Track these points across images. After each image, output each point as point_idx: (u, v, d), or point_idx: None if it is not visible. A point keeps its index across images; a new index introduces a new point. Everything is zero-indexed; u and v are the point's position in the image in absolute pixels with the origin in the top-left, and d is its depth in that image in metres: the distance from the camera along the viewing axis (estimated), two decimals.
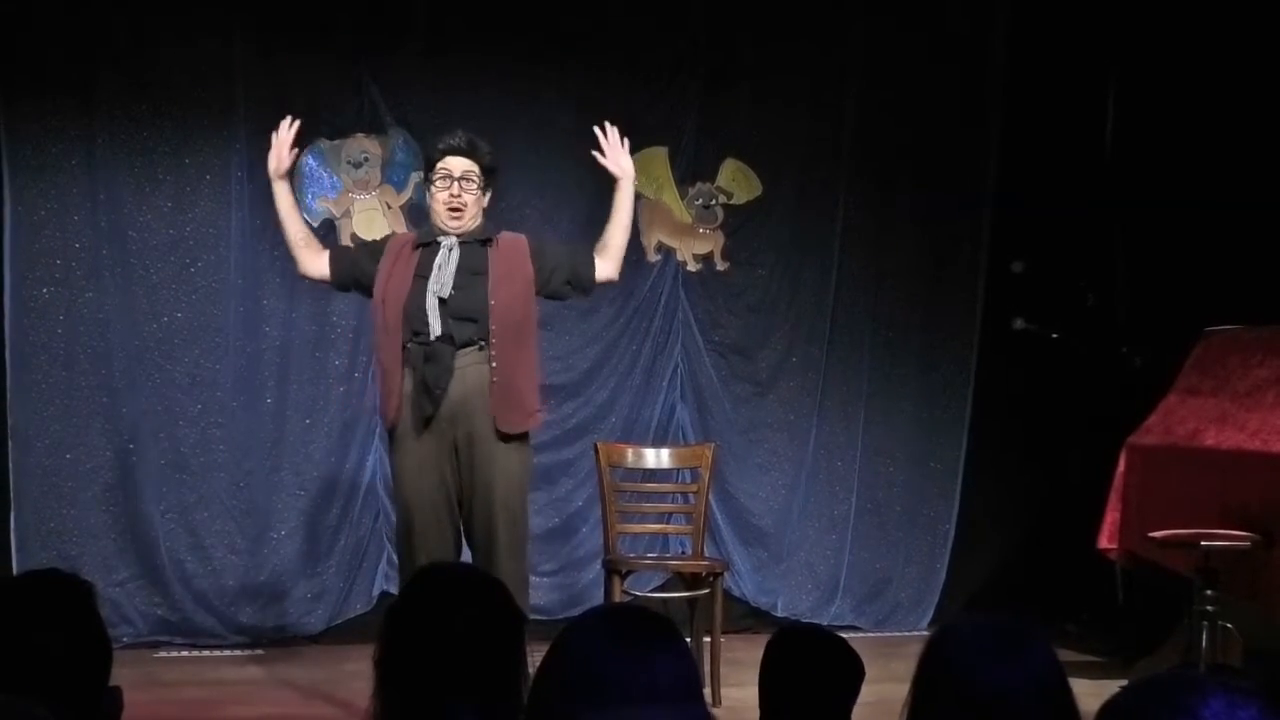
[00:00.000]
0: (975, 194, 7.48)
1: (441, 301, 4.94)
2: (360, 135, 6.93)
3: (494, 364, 4.94)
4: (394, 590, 6.60)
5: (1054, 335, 7.19)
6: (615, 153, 5.21)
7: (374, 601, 6.87)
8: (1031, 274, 7.33)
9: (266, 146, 6.74)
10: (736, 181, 7.30)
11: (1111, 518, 6.25)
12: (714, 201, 7.26)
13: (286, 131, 5.18)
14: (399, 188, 6.98)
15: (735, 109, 7.25)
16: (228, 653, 6.68)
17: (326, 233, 6.90)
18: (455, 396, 4.93)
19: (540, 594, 6.90)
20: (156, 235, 6.74)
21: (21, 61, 6.59)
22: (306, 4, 6.86)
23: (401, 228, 6.94)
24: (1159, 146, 7.09)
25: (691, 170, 7.25)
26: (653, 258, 7.22)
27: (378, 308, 5.08)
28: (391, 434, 5.06)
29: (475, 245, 5.06)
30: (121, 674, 2.36)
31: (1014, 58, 7.44)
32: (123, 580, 6.65)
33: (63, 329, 6.66)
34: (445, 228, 5.06)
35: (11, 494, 6.58)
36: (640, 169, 7.07)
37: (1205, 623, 5.68)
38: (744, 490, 7.27)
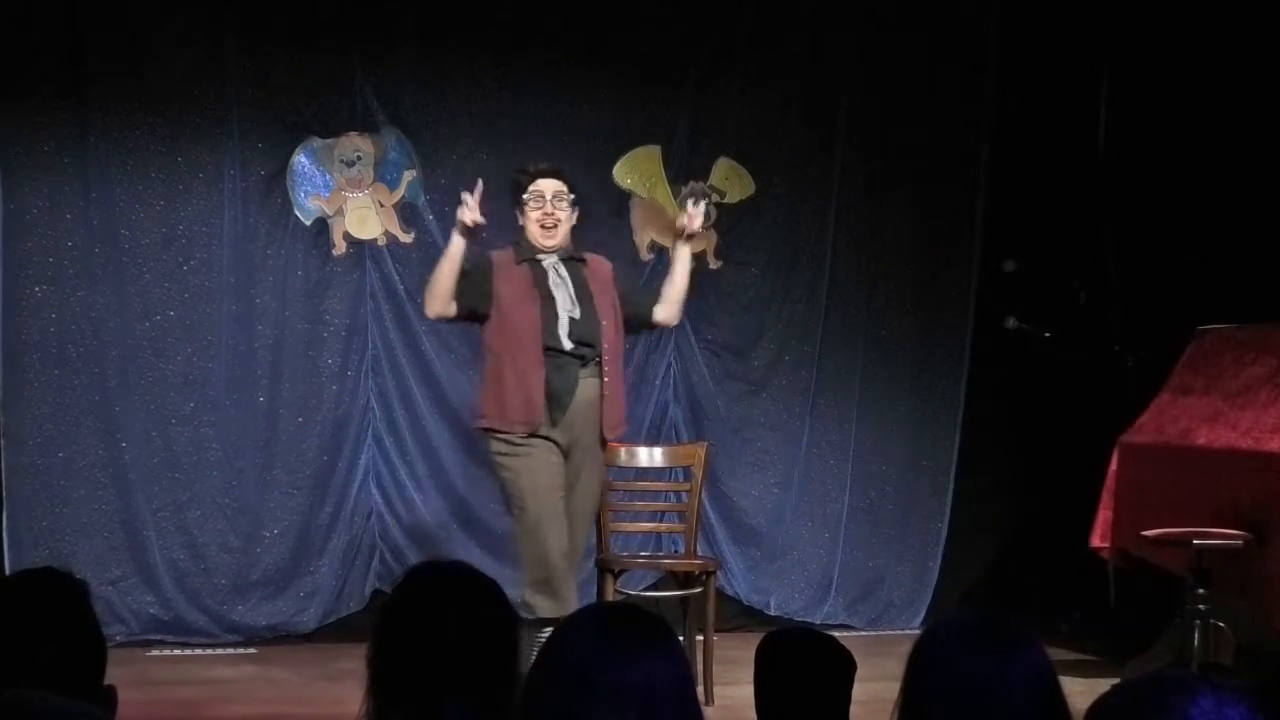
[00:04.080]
0: (968, 192, 7.49)
1: (573, 320, 5.41)
2: (353, 134, 6.93)
3: (606, 378, 5.47)
4: (387, 589, 6.61)
5: (1046, 334, 7.20)
6: (691, 218, 5.67)
7: (367, 600, 6.87)
8: (1024, 273, 7.34)
9: (260, 144, 6.83)
10: (729, 180, 7.30)
11: (1104, 516, 6.26)
12: (707, 200, 7.26)
13: (477, 195, 5.48)
14: (392, 186, 6.97)
15: (728, 108, 7.25)
16: (221, 651, 6.68)
17: (319, 231, 6.91)
18: (576, 404, 5.43)
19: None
20: (149, 234, 6.73)
21: (13, 59, 6.58)
22: (299, 2, 6.85)
23: (394, 227, 6.94)
24: (1151, 145, 7.09)
25: (685, 169, 7.25)
26: (645, 256, 7.21)
27: (503, 323, 5.45)
28: (504, 434, 5.42)
29: (573, 263, 5.54)
30: (115, 673, 2.35)
31: (1006, 56, 7.45)
32: (116, 579, 6.64)
33: (55, 327, 6.65)
34: (540, 245, 5.50)
35: (4, 493, 6.58)
36: (633, 167, 7.12)
37: (1197, 621, 5.69)
38: (737, 489, 7.28)
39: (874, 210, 7.41)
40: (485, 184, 5.51)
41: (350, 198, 6.94)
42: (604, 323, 5.46)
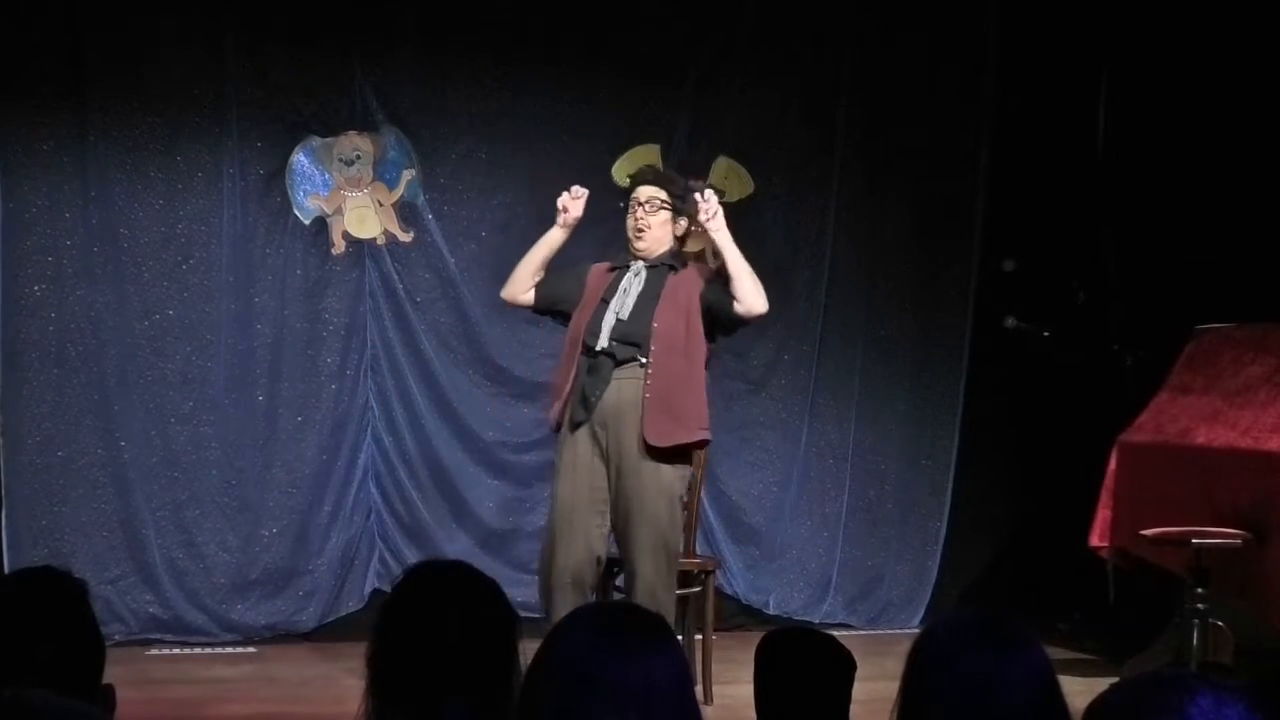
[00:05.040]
0: (967, 192, 7.49)
1: (619, 321, 5.25)
2: (352, 133, 6.93)
3: (649, 380, 5.21)
4: (386, 588, 6.61)
5: (1045, 333, 7.20)
6: (703, 209, 5.43)
7: (366, 599, 6.88)
8: (1023, 272, 7.35)
9: (259, 144, 6.82)
10: (729, 180, 7.29)
11: (1103, 516, 6.26)
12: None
13: (578, 199, 5.47)
14: (391, 185, 6.97)
15: (728, 108, 7.25)
16: (219, 650, 6.68)
17: (318, 230, 6.91)
18: (609, 405, 5.22)
19: (531, 591, 6.87)
20: (148, 233, 6.74)
21: (13, 58, 6.58)
22: (298, 2, 6.85)
23: (394, 226, 6.94)
24: (1150, 145, 7.10)
25: (684, 168, 7.23)
26: None
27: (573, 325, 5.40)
28: (556, 431, 5.39)
29: (660, 269, 5.37)
30: (113, 672, 2.36)
31: (1006, 57, 7.45)
32: (114, 578, 6.65)
33: (54, 326, 6.66)
34: (633, 249, 5.40)
35: (3, 492, 6.59)
36: (632, 165, 7.09)
37: (1196, 620, 5.70)
38: (736, 488, 7.28)
39: (874, 210, 7.40)
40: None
41: (349, 197, 6.94)
42: (656, 325, 5.24)
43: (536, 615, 6.37)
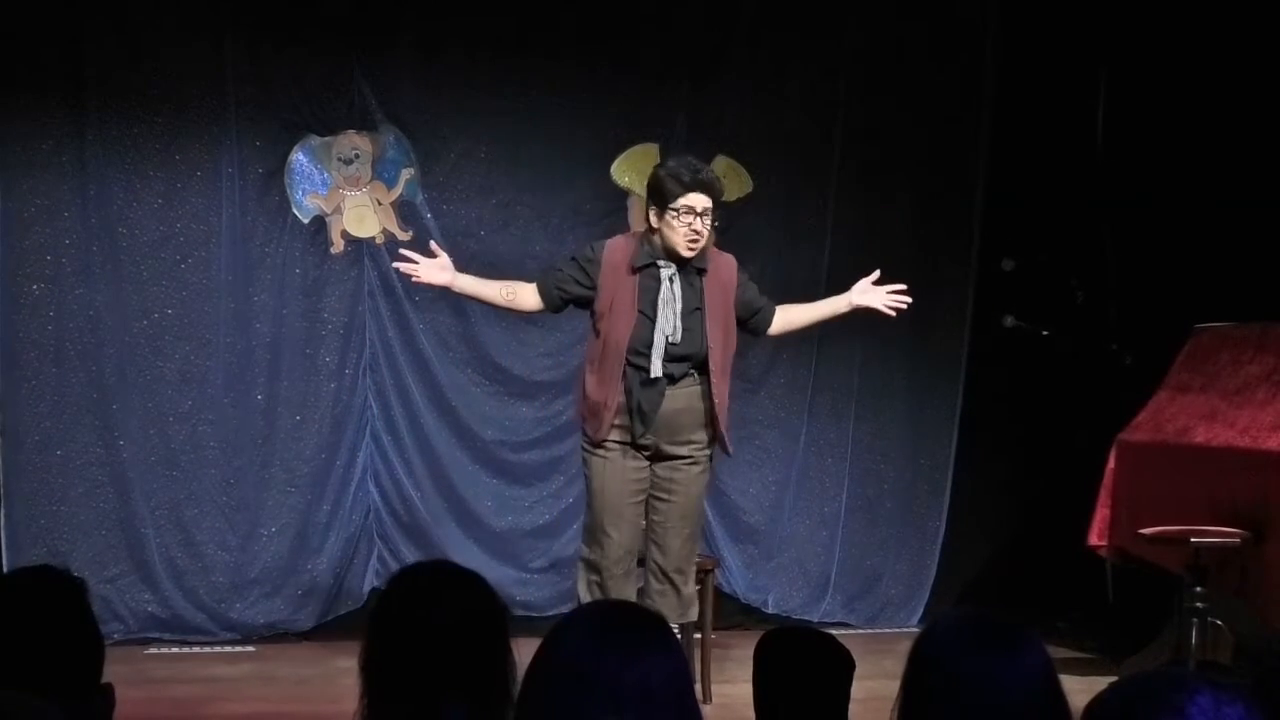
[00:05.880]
0: (966, 191, 7.48)
1: (670, 344, 5.18)
2: (351, 132, 6.92)
3: (714, 399, 5.27)
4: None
5: (1044, 333, 7.20)
6: (879, 297, 5.57)
7: (364, 598, 6.87)
8: (1022, 271, 7.34)
9: (258, 143, 6.82)
10: (727, 179, 7.26)
11: (1101, 515, 6.27)
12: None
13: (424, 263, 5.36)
14: (390, 184, 6.97)
15: (726, 106, 7.25)
16: (218, 649, 6.68)
17: (317, 229, 6.91)
18: (665, 414, 5.22)
19: (531, 590, 6.91)
20: (147, 232, 6.73)
21: (11, 57, 6.58)
22: (298, 1, 6.85)
23: (393, 225, 6.94)
24: (1149, 144, 7.10)
25: None
26: None
27: (600, 323, 5.25)
28: (596, 441, 5.26)
29: (693, 274, 5.26)
30: (112, 671, 2.36)
31: (1005, 56, 7.45)
32: (113, 577, 6.65)
33: (53, 325, 6.66)
34: (680, 255, 5.18)
35: (2, 491, 6.58)
36: (630, 165, 7.12)
37: (1195, 619, 5.70)
38: (735, 487, 7.27)
39: (872, 209, 7.39)
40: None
41: (348, 196, 6.94)
42: (712, 346, 5.24)
43: (535, 615, 6.42)
